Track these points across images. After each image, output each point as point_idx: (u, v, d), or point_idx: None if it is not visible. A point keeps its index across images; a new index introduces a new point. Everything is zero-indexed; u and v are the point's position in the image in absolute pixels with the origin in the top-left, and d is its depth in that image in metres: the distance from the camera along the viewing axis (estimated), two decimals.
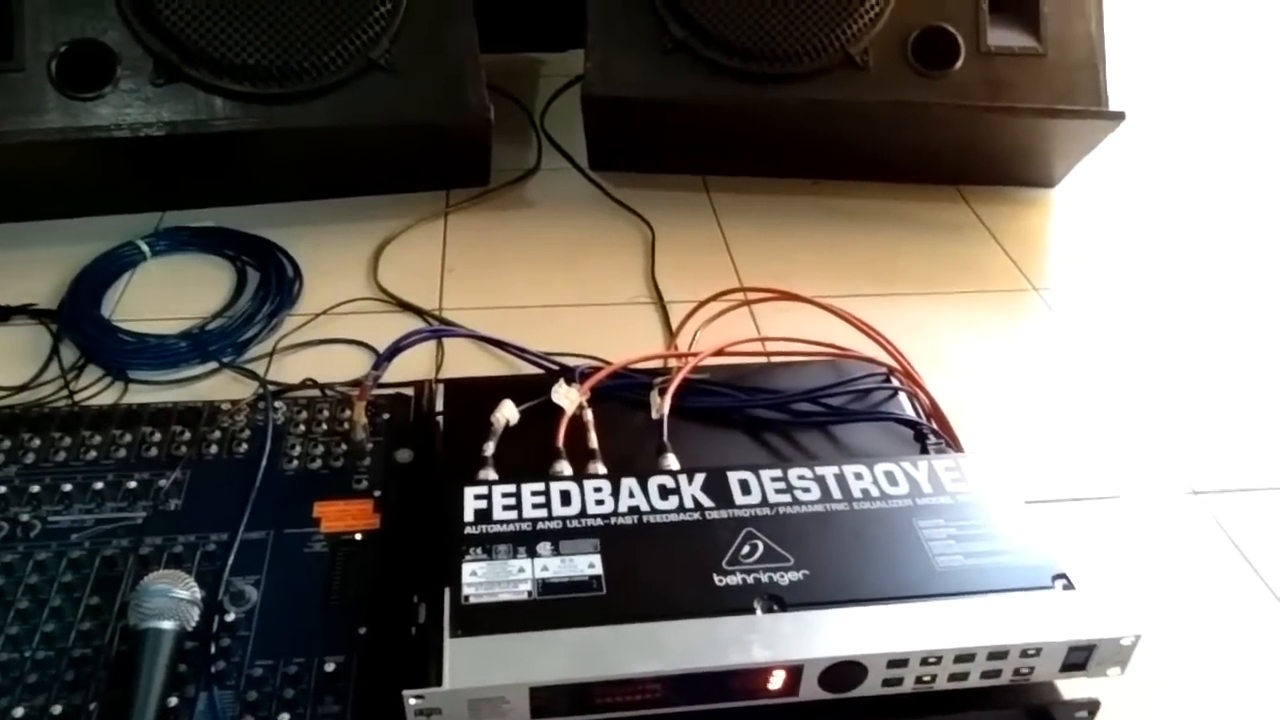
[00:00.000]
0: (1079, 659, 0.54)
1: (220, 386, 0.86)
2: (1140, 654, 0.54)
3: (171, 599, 0.57)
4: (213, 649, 0.58)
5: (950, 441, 0.69)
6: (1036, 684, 0.55)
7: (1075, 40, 1.08)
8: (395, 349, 0.71)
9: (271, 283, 0.97)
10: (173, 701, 0.55)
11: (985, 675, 0.53)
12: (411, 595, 0.58)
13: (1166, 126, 1.36)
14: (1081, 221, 1.17)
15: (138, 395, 0.84)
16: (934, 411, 0.73)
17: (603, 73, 1.06)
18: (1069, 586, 0.55)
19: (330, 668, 0.57)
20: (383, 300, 0.97)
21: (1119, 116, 1.06)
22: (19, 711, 0.55)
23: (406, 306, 0.96)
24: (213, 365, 0.88)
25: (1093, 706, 0.55)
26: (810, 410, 0.72)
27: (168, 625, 0.57)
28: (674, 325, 0.94)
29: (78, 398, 0.83)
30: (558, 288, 1.01)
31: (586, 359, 0.82)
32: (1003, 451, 0.79)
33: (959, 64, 1.07)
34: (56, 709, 0.55)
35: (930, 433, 0.68)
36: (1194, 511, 0.78)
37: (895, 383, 0.74)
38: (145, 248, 1.01)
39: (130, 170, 1.03)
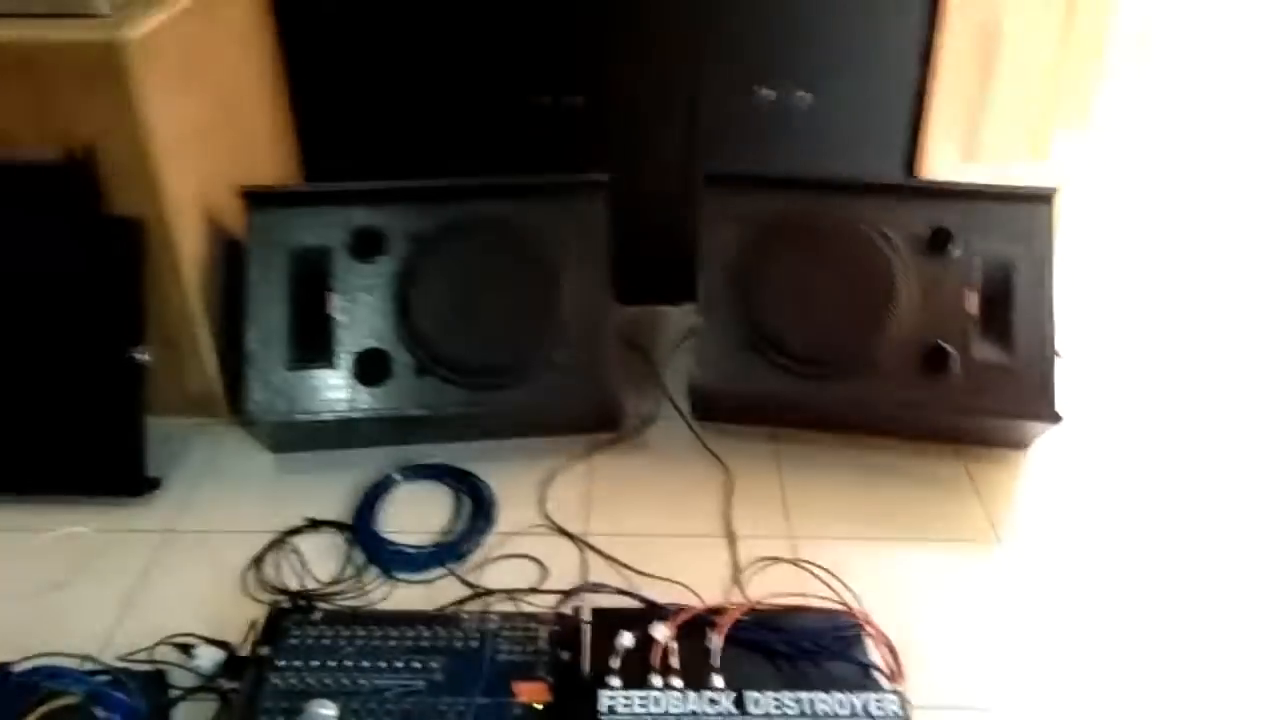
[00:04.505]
0: None
1: (449, 586, 1.38)
2: None
3: None
4: None
5: (895, 678, 1.14)
6: None
7: (1035, 360, 1.53)
8: (570, 595, 1.22)
9: (480, 507, 1.50)
10: None
11: None
12: None
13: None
14: (1052, 480, 1.59)
15: (400, 589, 1.37)
16: (890, 651, 1.18)
17: (704, 368, 1.57)
18: None
19: None
20: (548, 526, 1.48)
21: (1059, 419, 1.50)
22: None
23: (565, 533, 1.47)
24: (443, 571, 1.40)
25: None
26: (808, 648, 1.18)
27: None
28: (740, 558, 1.41)
29: (367, 590, 1.36)
30: (662, 520, 1.50)
31: (676, 584, 1.33)
32: (943, 685, 1.22)
33: (953, 371, 1.53)
34: None
35: (880, 673, 1.14)
36: None
37: (863, 632, 1.20)
38: (399, 477, 1.55)
39: (390, 428, 1.58)
